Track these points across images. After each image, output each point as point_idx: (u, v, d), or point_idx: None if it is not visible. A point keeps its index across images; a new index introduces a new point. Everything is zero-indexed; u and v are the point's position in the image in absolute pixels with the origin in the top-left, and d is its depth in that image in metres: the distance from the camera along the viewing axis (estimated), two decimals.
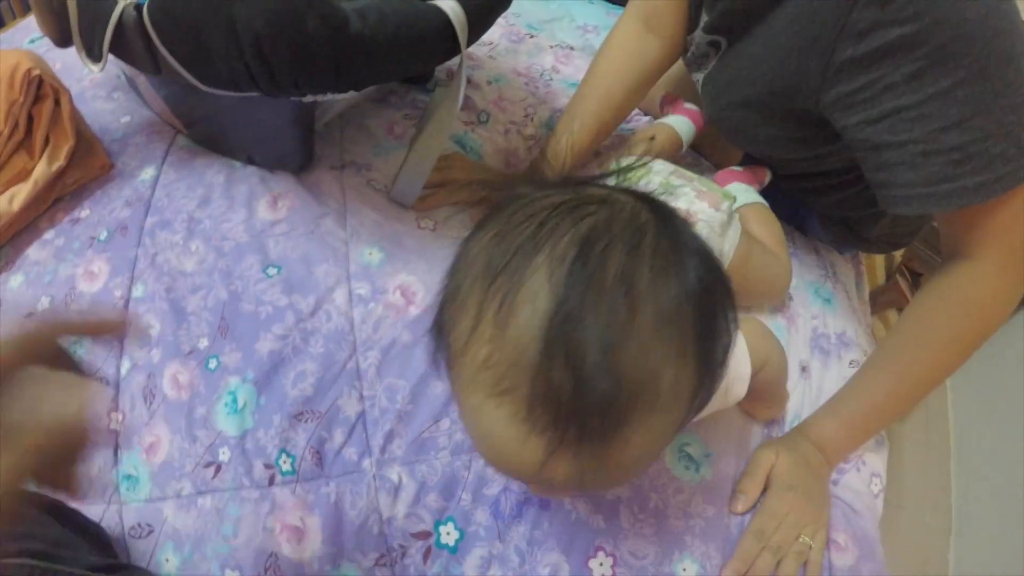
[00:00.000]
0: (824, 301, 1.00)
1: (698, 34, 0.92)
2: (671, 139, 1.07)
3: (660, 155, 1.02)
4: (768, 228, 0.99)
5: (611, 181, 0.54)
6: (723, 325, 0.47)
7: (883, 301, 1.56)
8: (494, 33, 1.29)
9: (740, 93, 0.87)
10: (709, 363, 0.46)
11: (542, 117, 1.16)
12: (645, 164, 0.83)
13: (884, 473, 0.87)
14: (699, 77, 0.97)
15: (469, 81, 1.17)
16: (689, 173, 0.89)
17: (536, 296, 0.42)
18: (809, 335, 0.95)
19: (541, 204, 0.47)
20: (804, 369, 0.91)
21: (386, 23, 0.78)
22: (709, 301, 0.45)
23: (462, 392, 0.47)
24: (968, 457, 1.52)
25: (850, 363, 0.93)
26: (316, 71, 0.77)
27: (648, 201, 0.49)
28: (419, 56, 0.86)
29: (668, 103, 1.16)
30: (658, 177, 0.85)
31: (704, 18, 0.90)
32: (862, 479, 0.84)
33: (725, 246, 0.84)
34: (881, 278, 1.60)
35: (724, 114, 0.92)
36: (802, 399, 0.88)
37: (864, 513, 0.80)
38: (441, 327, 0.49)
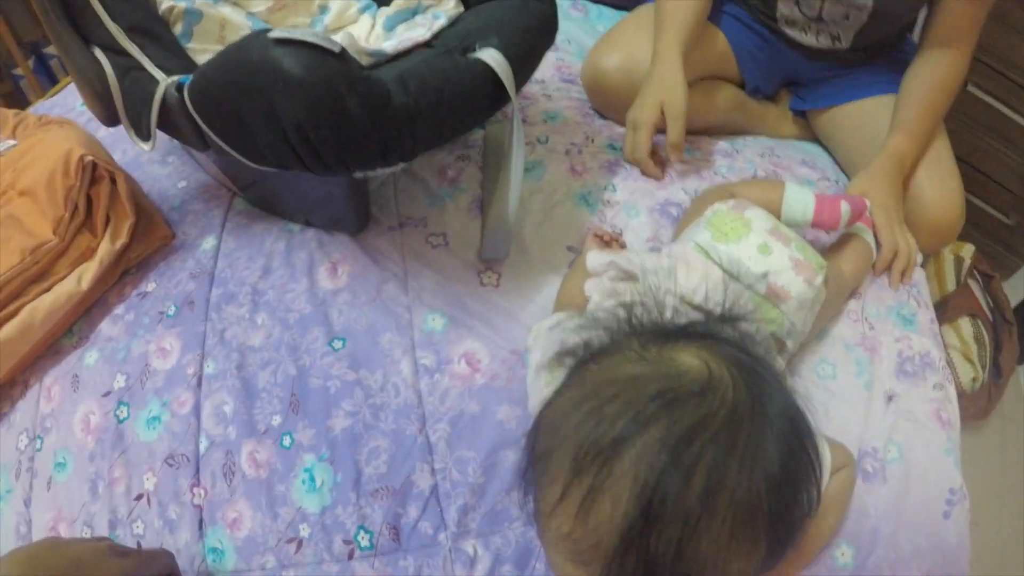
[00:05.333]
0: (906, 322, 0.98)
1: None
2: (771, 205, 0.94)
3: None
4: (859, 258, 0.99)
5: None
6: (800, 508, 0.48)
7: (954, 306, 1.50)
8: (545, 71, 1.28)
9: None
10: (780, 544, 0.47)
11: (601, 142, 1.16)
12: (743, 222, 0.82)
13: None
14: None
15: (524, 120, 1.15)
16: (789, 233, 0.85)
17: (620, 496, 0.44)
18: (894, 360, 0.94)
19: (639, 388, 0.47)
20: (891, 398, 0.90)
21: (428, 88, 0.76)
22: (791, 487, 0.47)
23: (546, 544, 0.50)
24: None
25: (934, 386, 0.92)
26: (363, 150, 0.75)
27: (747, 379, 0.49)
28: (467, 115, 0.84)
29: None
30: (757, 237, 0.82)
31: None
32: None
33: (808, 318, 0.82)
34: (952, 284, 1.55)
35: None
36: (894, 424, 0.87)
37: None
38: (530, 480, 0.52)
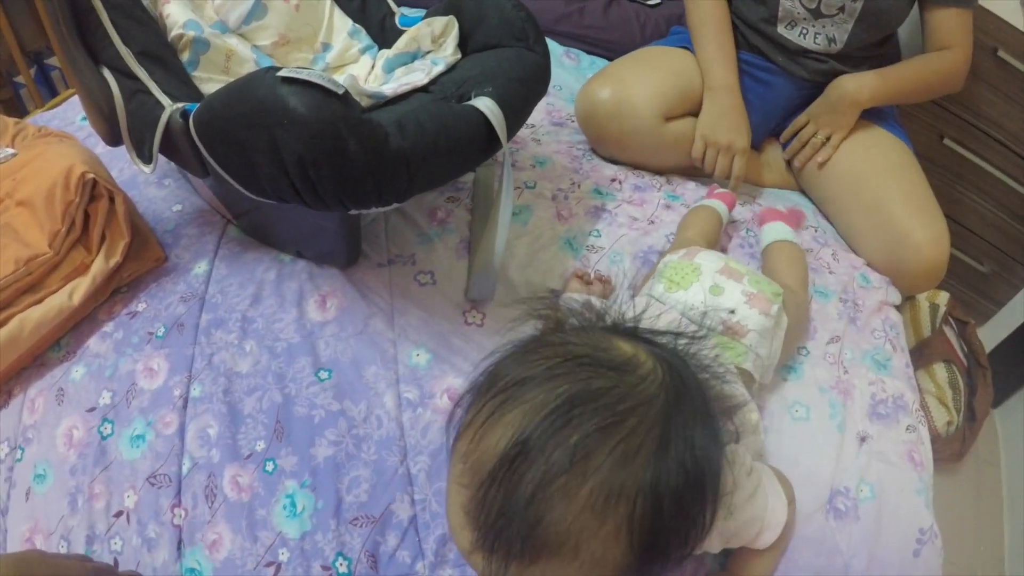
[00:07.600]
0: (880, 366, 1.03)
1: None
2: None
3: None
4: (796, 267, 1.05)
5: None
6: (678, 532, 0.50)
7: (929, 353, 1.53)
8: (536, 115, 1.32)
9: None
10: (650, 554, 0.50)
11: (587, 188, 1.20)
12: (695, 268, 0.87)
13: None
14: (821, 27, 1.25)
15: (513, 164, 1.19)
16: (740, 267, 0.89)
17: (511, 425, 0.49)
18: (868, 403, 0.98)
19: (567, 349, 0.53)
20: (864, 439, 0.94)
21: (424, 133, 0.80)
22: (669, 505, 0.48)
23: (449, 467, 0.56)
24: (1021, 510, 1.51)
25: (906, 428, 0.96)
26: (360, 189, 0.78)
27: (675, 381, 0.52)
28: (461, 160, 0.88)
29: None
30: (707, 280, 0.87)
31: None
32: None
33: (774, 346, 0.86)
34: (927, 330, 1.60)
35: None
36: (867, 465, 0.91)
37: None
38: (459, 407, 0.58)
